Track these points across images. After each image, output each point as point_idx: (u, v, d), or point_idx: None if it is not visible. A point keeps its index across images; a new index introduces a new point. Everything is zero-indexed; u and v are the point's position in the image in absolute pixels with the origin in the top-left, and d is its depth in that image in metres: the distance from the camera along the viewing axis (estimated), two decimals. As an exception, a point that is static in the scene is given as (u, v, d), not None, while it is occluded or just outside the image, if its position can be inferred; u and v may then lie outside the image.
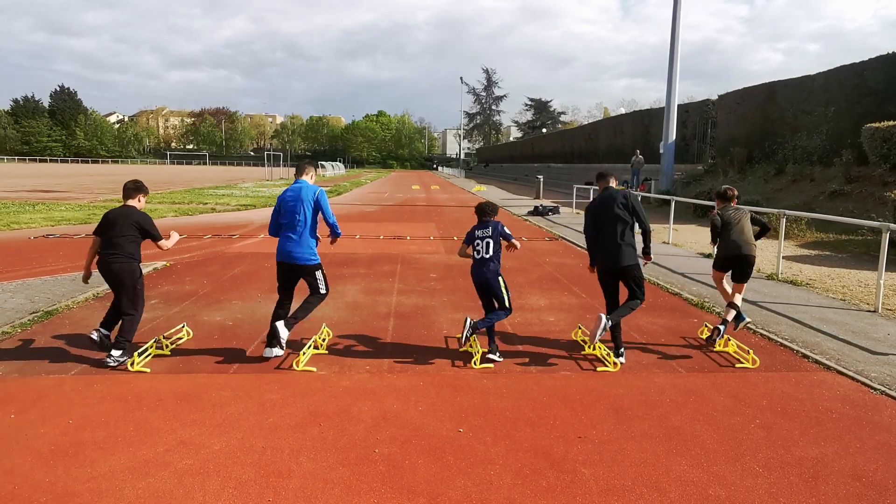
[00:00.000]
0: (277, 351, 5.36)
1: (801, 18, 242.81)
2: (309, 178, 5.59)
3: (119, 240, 5.19)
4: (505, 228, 5.54)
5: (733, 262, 6.07)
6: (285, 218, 5.41)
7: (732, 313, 6.01)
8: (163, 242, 5.41)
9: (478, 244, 5.45)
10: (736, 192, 6.35)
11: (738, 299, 6.09)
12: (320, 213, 5.44)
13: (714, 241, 6.24)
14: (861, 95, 17.56)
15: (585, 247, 5.80)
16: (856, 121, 16.53)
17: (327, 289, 5.59)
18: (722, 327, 5.81)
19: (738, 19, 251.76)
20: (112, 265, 5.18)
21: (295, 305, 5.52)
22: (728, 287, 6.22)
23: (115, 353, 5.13)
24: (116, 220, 5.24)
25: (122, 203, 5.44)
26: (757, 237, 6.21)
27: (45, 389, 4.62)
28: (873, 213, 12.67)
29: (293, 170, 6.03)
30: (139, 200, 5.48)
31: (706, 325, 6.48)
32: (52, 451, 3.66)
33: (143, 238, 5.30)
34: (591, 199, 6.00)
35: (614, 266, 5.49)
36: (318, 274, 5.50)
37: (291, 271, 5.47)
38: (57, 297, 7.41)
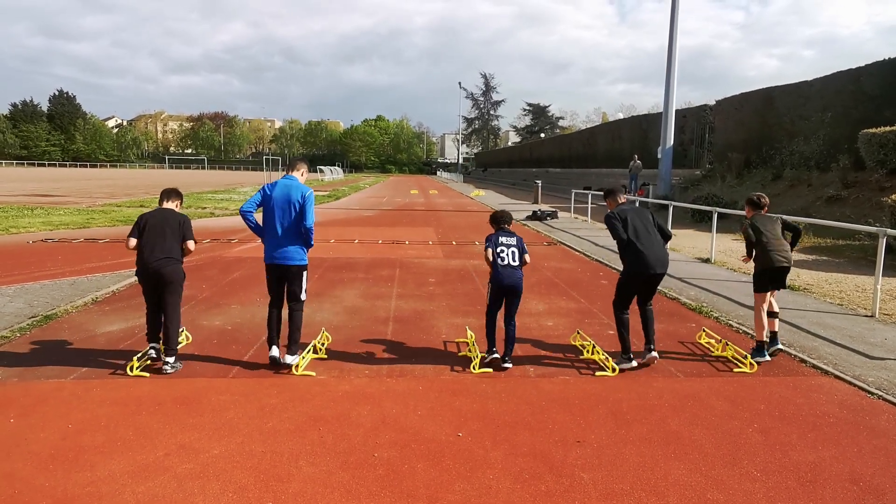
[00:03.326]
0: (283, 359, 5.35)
1: (795, 25, 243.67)
2: (300, 175, 5.44)
3: (169, 243, 5.18)
4: (524, 244, 5.50)
5: (775, 274, 5.79)
6: (273, 217, 5.25)
7: (777, 322, 5.85)
8: (191, 244, 5.35)
9: (503, 251, 5.35)
10: (768, 200, 6.09)
11: (774, 306, 5.90)
12: (302, 214, 5.24)
13: (750, 255, 5.89)
14: (858, 101, 17.65)
15: (619, 252, 5.55)
16: (853, 126, 16.60)
17: (305, 294, 5.48)
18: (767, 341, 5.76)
19: (734, 25, 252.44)
20: (164, 269, 5.14)
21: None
22: (765, 316, 5.81)
23: (170, 359, 5.16)
24: (165, 223, 5.22)
25: (160, 206, 5.43)
26: (792, 244, 5.99)
27: (45, 394, 4.62)
28: (870, 217, 12.72)
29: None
30: (177, 205, 5.51)
31: (704, 330, 6.51)
32: (51, 455, 3.67)
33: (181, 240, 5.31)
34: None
35: (658, 272, 5.40)
36: (304, 276, 5.41)
37: (281, 272, 5.35)
38: (56, 301, 7.41)
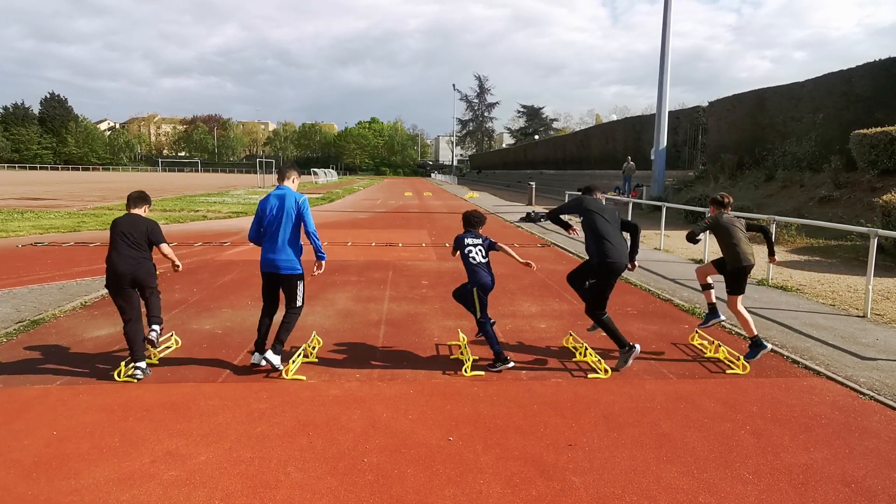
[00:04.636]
0: (264, 359, 5.26)
1: (787, 27, 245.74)
2: (292, 183, 5.45)
3: (138, 249, 5.15)
4: (495, 243, 5.60)
5: (740, 273, 5.76)
6: (268, 226, 5.25)
7: (713, 294, 6.04)
8: (166, 247, 5.34)
9: (470, 251, 5.47)
10: (732, 199, 6.17)
11: (745, 312, 5.84)
12: (301, 222, 5.26)
13: (693, 237, 5.97)
14: (849, 102, 17.74)
15: (586, 245, 5.57)
16: (844, 127, 16.69)
17: (303, 302, 5.45)
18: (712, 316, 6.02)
19: (726, 27, 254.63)
20: (137, 271, 5.11)
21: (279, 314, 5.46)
22: (746, 312, 5.80)
23: (156, 327, 5.21)
24: (133, 229, 5.18)
25: (128, 211, 5.40)
26: (770, 243, 6.14)
27: (30, 400, 4.56)
28: (862, 218, 12.77)
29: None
30: (144, 210, 5.47)
31: (697, 332, 6.49)
32: (35, 463, 3.61)
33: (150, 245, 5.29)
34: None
35: (622, 267, 5.46)
36: (300, 285, 5.35)
37: (275, 280, 5.35)
38: (44, 306, 7.33)
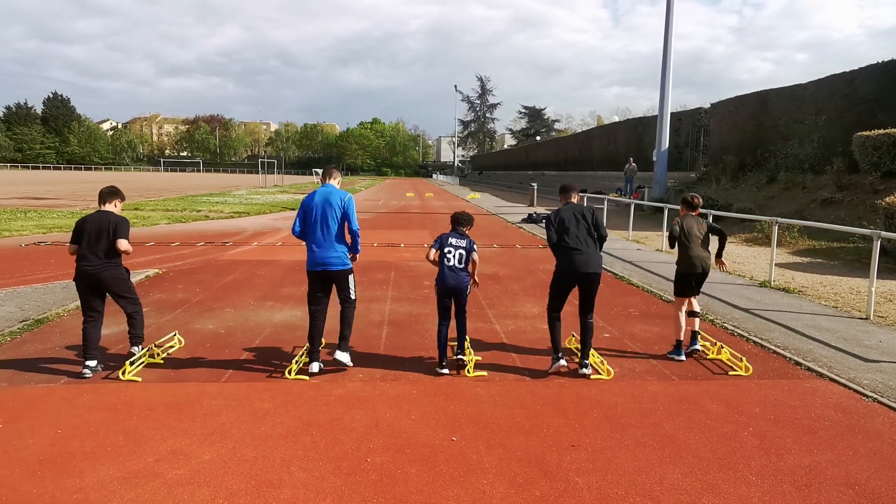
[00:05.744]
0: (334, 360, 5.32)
1: (789, 28, 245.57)
2: (336, 182, 5.53)
3: (106, 248, 5.10)
4: (476, 248, 5.54)
5: (694, 278, 5.92)
6: (314, 225, 5.30)
7: (697, 321, 6.01)
8: (122, 242, 5.12)
9: (449, 251, 5.42)
10: (701, 201, 6.21)
11: (695, 305, 6.01)
12: (346, 219, 5.35)
13: (672, 246, 6.05)
14: (851, 104, 17.72)
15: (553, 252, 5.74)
16: (846, 129, 16.67)
17: (355, 294, 5.54)
18: (696, 343, 5.91)
19: (728, 29, 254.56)
20: (103, 273, 5.10)
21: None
22: (683, 317, 5.91)
23: (135, 349, 5.15)
24: (101, 227, 5.12)
25: (99, 208, 5.33)
26: (720, 247, 6.19)
27: (35, 399, 4.57)
28: (864, 220, 12.75)
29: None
30: (115, 205, 5.40)
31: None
32: (40, 461, 3.62)
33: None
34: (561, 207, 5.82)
35: (584, 272, 5.40)
36: (351, 279, 5.46)
37: (325, 279, 5.40)
38: (48, 305, 7.35)
